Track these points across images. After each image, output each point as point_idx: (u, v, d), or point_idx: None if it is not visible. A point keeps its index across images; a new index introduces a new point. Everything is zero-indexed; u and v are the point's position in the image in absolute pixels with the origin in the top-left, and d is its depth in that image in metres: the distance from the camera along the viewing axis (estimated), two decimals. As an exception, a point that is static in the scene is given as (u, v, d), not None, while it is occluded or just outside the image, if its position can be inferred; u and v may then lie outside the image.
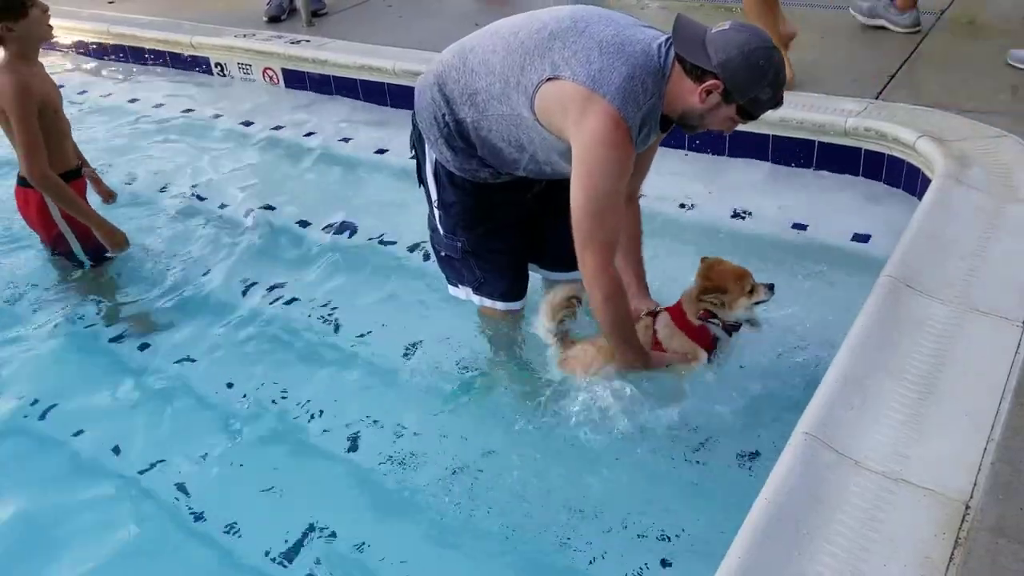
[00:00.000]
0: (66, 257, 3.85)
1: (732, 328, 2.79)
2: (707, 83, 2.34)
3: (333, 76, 5.63)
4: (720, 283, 2.71)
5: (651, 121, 2.46)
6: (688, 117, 2.47)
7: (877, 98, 4.34)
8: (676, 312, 2.81)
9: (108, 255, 3.86)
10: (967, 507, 1.99)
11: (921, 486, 2.05)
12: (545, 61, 2.42)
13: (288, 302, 3.71)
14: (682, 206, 4.08)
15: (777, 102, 2.40)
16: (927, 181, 3.59)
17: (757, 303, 2.75)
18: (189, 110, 5.80)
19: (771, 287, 2.75)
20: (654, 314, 2.85)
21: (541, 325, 2.85)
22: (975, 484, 2.05)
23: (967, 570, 1.85)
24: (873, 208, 3.91)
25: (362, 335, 3.46)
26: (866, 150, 4.07)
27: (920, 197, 3.48)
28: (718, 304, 2.72)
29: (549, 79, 2.40)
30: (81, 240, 3.79)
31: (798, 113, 4.13)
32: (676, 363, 2.78)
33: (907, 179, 3.92)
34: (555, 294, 2.81)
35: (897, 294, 2.72)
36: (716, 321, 2.75)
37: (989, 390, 2.33)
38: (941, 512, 1.98)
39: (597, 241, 2.47)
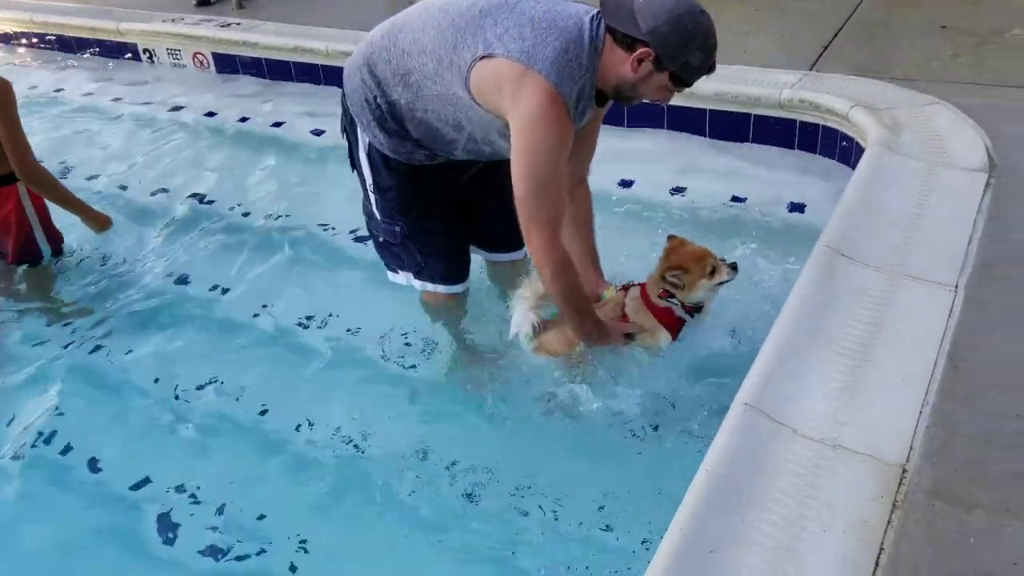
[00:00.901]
0: (29, 257, 3.76)
1: (694, 310, 2.79)
2: (638, 52, 2.32)
3: (265, 59, 5.53)
4: (680, 263, 2.70)
5: (586, 96, 2.44)
6: (622, 88, 2.45)
7: (811, 69, 4.38)
8: (644, 290, 2.81)
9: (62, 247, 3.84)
10: (904, 471, 2.01)
11: (858, 452, 2.07)
12: (478, 39, 2.37)
13: (224, 291, 3.63)
14: (621, 183, 4.07)
15: (710, 67, 2.39)
16: (861, 150, 3.62)
17: (720, 283, 2.73)
18: (118, 98, 5.64)
19: (734, 266, 2.74)
20: (627, 288, 2.85)
21: (518, 317, 2.78)
22: (911, 448, 2.07)
23: (905, 533, 1.87)
24: (809, 179, 3.95)
25: (301, 324, 3.40)
26: (801, 121, 4.10)
27: (855, 166, 3.51)
28: (679, 285, 2.70)
29: (482, 57, 2.36)
30: (47, 235, 3.77)
31: (733, 86, 4.15)
32: (634, 332, 2.77)
33: (842, 149, 3.96)
34: (532, 288, 2.74)
35: (832, 263, 2.74)
36: (676, 301, 2.74)
37: (924, 355, 2.36)
38: (878, 477, 2.00)
39: (542, 217, 2.43)
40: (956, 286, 2.62)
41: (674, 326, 2.78)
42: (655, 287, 2.76)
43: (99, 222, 3.84)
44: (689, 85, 2.43)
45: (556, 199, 2.45)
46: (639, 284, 2.84)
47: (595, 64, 2.38)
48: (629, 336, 2.76)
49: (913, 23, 4.86)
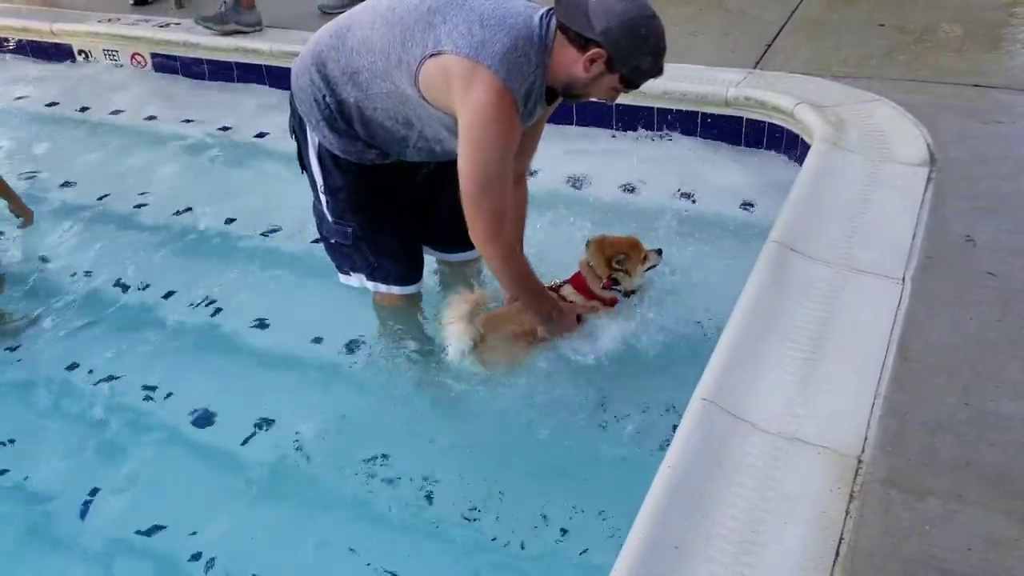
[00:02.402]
0: None
1: (631, 293, 2.88)
2: (591, 52, 2.34)
3: (206, 60, 5.43)
4: (621, 250, 2.80)
5: (536, 93, 2.45)
6: (572, 87, 2.46)
7: (755, 67, 4.43)
8: (579, 283, 2.83)
9: None
10: (859, 461, 2.05)
11: (815, 444, 2.10)
12: (427, 36, 2.37)
13: (167, 295, 3.56)
14: (571, 181, 4.08)
15: (658, 71, 2.42)
16: (807, 147, 3.68)
17: (649, 268, 2.85)
18: (54, 103, 5.48)
19: (659, 252, 2.87)
20: (556, 288, 2.87)
21: (453, 342, 2.71)
22: (865, 438, 2.11)
23: (862, 522, 1.90)
24: (757, 175, 4.00)
25: (254, 328, 3.34)
26: (747, 119, 4.15)
27: (801, 163, 3.57)
28: (623, 273, 2.78)
29: (431, 55, 2.35)
30: None
31: (681, 85, 4.19)
32: (585, 313, 2.84)
33: (787, 146, 4.02)
34: (458, 308, 2.67)
35: (783, 258, 2.78)
36: (620, 288, 2.84)
37: (874, 346, 2.41)
38: (835, 468, 2.03)
39: (486, 211, 2.45)
40: (903, 278, 2.68)
41: (612, 306, 2.89)
42: (595, 279, 2.81)
43: (28, 215, 3.93)
44: (637, 87, 2.47)
45: (501, 194, 2.47)
46: (566, 281, 2.89)
47: (545, 62, 2.39)
48: (580, 319, 2.83)
49: (852, 21, 4.95)
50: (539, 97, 2.47)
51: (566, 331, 2.82)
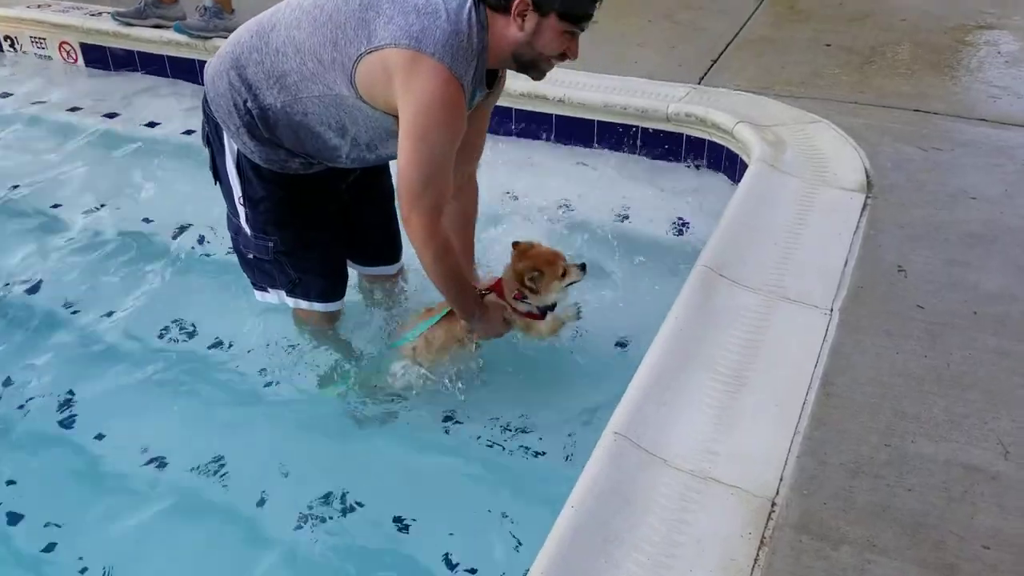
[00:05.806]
0: None
1: (547, 310, 2.73)
2: (515, 6, 2.25)
3: (137, 52, 5.24)
4: (535, 266, 2.65)
5: (478, 78, 2.35)
6: (521, 54, 2.35)
7: (700, 83, 4.37)
8: (500, 291, 2.74)
9: None
10: (773, 504, 1.96)
11: (729, 484, 2.00)
12: (360, 33, 2.25)
13: (69, 305, 3.38)
14: (507, 195, 3.97)
15: None
16: (746, 166, 3.61)
17: (570, 284, 2.69)
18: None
19: (583, 267, 2.71)
20: (482, 295, 2.76)
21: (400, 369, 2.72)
22: (781, 479, 2.02)
23: (772, 571, 1.81)
24: (695, 194, 3.92)
25: (169, 340, 3.19)
26: (688, 136, 4.07)
27: (739, 182, 3.49)
28: (535, 289, 2.65)
29: (369, 51, 2.24)
30: None
31: (621, 98, 4.11)
32: (509, 315, 2.72)
33: (727, 164, 3.95)
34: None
35: (710, 284, 2.69)
36: (529, 303, 2.69)
37: (797, 380, 2.32)
38: (747, 510, 1.94)
39: (426, 203, 2.33)
40: (831, 308, 2.61)
41: (536, 318, 2.75)
42: (511, 290, 2.70)
43: None
44: (585, 19, 2.32)
45: (443, 185, 2.36)
46: (490, 287, 2.77)
47: (485, 43, 2.30)
48: (507, 322, 2.72)
49: (799, 41, 4.92)
50: (480, 82, 2.37)
51: (491, 333, 2.71)
